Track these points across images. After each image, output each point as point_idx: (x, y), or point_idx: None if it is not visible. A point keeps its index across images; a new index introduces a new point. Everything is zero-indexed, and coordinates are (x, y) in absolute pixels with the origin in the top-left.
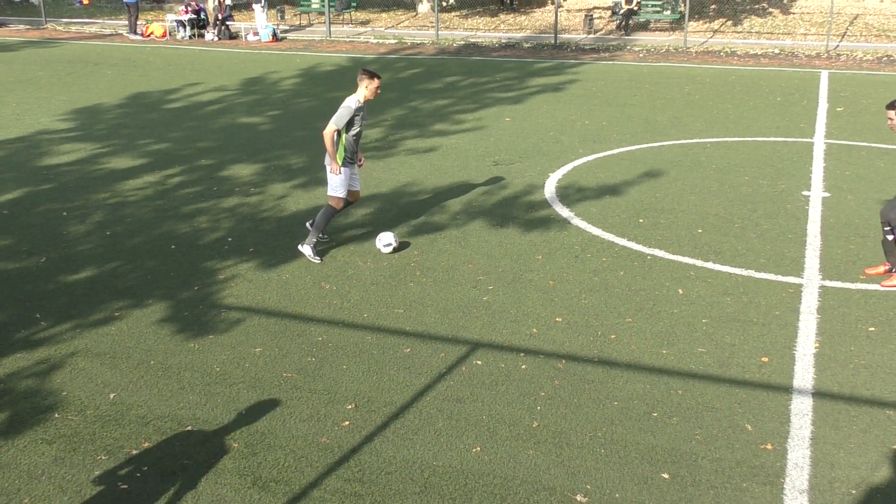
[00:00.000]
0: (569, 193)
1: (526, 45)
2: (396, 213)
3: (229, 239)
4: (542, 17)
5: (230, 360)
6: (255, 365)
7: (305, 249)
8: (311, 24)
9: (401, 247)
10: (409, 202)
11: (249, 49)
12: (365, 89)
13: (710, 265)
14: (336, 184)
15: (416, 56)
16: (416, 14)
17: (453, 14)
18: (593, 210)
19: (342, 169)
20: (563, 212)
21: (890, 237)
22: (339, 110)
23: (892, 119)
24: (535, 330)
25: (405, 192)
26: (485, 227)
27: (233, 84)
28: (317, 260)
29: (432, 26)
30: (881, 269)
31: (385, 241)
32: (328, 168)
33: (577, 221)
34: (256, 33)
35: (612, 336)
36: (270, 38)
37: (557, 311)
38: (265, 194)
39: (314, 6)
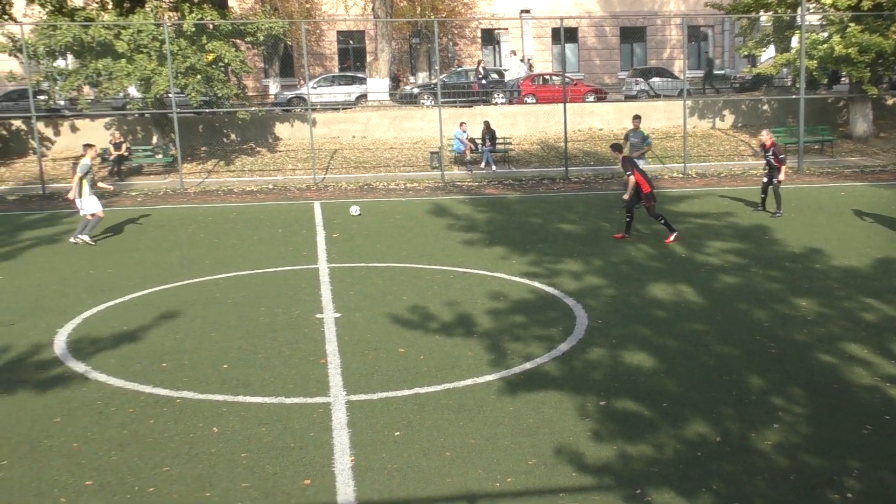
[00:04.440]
0: (83, 347)
1: (11, 198)
2: None
3: None
4: (24, 167)
5: None
6: None
7: None
8: None
9: None
10: None
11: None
12: None
13: (241, 398)
14: None
15: None
16: None
17: None
18: (112, 361)
19: None
20: (79, 367)
21: None
22: None
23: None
24: (63, 500)
25: None
26: None
27: None
28: None
29: None
30: None
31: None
32: None
33: (96, 375)
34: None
35: (151, 489)
36: None
37: (86, 474)
38: None
39: None
